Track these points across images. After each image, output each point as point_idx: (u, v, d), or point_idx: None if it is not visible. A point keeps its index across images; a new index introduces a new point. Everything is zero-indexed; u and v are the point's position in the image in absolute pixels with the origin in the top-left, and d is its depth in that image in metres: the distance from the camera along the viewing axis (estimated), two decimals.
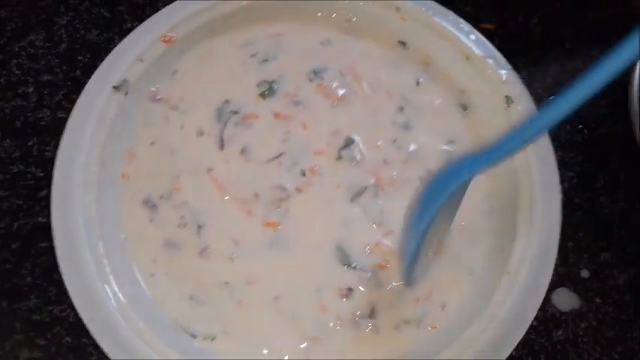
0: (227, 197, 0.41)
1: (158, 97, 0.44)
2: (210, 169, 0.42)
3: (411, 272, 0.35)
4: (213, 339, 0.38)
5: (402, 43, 0.47)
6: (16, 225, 0.43)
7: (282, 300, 0.39)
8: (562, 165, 0.48)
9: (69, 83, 0.48)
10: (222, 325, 0.38)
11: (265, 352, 0.38)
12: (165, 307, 0.38)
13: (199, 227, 0.40)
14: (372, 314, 0.39)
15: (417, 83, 0.46)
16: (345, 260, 0.40)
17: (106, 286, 0.36)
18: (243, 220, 0.40)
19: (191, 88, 0.44)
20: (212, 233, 0.40)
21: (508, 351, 0.37)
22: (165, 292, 0.38)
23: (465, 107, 0.45)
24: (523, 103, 0.43)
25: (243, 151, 0.43)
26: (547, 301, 0.44)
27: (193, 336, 0.38)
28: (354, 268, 0.40)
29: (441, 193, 0.32)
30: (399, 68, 0.46)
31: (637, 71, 0.46)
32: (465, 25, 0.46)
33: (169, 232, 0.40)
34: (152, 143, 0.43)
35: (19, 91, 0.47)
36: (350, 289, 0.40)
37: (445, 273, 0.40)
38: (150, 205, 0.41)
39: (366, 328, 0.39)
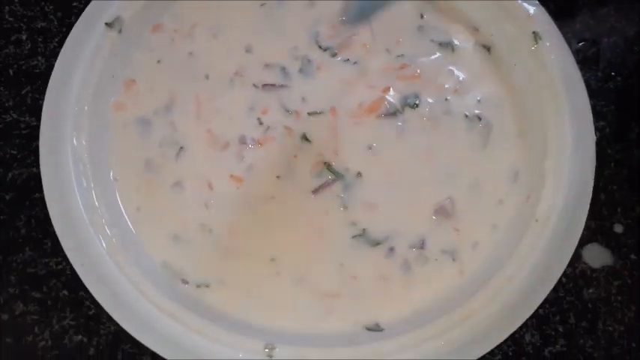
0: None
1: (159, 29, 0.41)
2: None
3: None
4: (207, 286, 0.36)
5: None
6: (10, 175, 0.41)
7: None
8: (594, 114, 0.44)
9: (64, 30, 0.45)
10: (214, 273, 0.36)
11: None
12: (154, 249, 0.36)
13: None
14: None
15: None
16: None
17: (97, 231, 0.34)
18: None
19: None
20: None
21: (535, 305, 0.34)
22: (152, 232, 0.37)
23: (488, 48, 0.42)
24: (552, 40, 0.39)
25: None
26: (577, 257, 0.41)
27: (185, 282, 0.36)
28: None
29: None
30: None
31: None
32: None
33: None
34: (158, 62, 0.41)
35: (12, 38, 0.45)
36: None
37: (476, 211, 0.38)
38: (142, 122, 0.39)
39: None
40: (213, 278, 0.36)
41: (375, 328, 0.35)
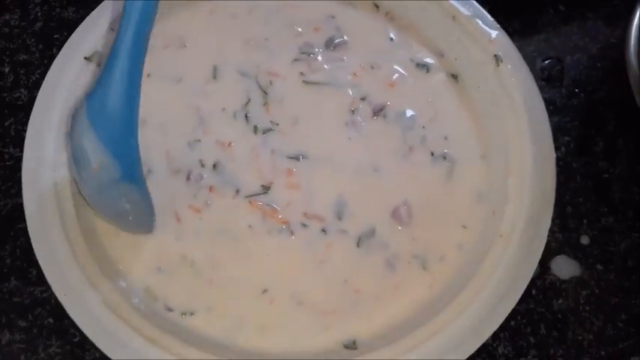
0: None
1: None
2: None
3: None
4: (192, 314, 0.37)
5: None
6: None
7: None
8: (559, 130, 0.46)
9: (45, 62, 0.46)
10: (200, 301, 0.37)
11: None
12: (136, 278, 0.37)
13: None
14: None
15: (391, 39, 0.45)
16: None
17: (79, 260, 0.35)
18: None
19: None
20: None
21: (503, 316, 0.36)
22: (133, 261, 0.37)
23: (455, 77, 0.44)
24: (513, 62, 0.41)
25: None
26: (546, 269, 0.42)
27: (169, 309, 0.37)
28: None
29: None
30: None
31: (633, 33, 0.44)
32: None
33: None
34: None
35: None
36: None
37: (441, 227, 0.40)
38: None
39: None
40: (198, 306, 0.37)
41: (352, 346, 0.37)
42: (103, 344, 0.33)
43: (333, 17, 0.45)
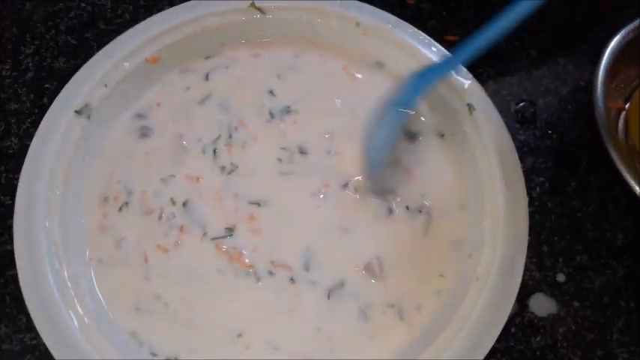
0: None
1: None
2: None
3: (376, 180, 0.42)
4: (176, 359, 0.37)
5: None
6: None
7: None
8: (533, 171, 0.48)
9: (36, 111, 0.48)
10: (181, 345, 0.38)
11: None
12: (123, 322, 0.38)
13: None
14: None
15: None
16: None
17: (69, 310, 0.36)
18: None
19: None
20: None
21: (482, 355, 0.37)
22: (118, 305, 0.39)
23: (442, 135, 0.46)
24: (485, 110, 0.43)
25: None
26: (524, 307, 0.43)
27: (154, 355, 0.37)
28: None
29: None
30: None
31: (600, 77, 0.46)
32: (425, 38, 0.46)
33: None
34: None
35: None
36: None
37: (417, 278, 0.40)
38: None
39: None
40: (181, 350, 0.38)
41: None
42: None
43: None
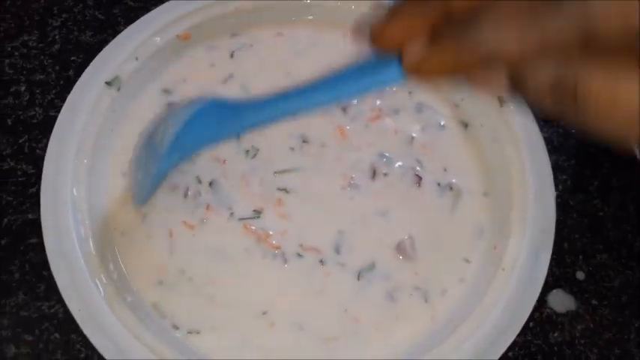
0: None
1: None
2: None
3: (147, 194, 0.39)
4: (198, 332, 0.37)
5: None
6: (5, 221, 0.43)
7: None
8: (556, 168, 0.48)
9: (61, 83, 0.48)
10: (203, 320, 0.38)
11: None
12: (146, 294, 0.38)
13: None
14: None
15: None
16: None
17: (95, 278, 0.35)
18: None
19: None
20: None
21: (503, 348, 0.37)
22: (142, 278, 0.38)
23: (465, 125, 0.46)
24: (515, 103, 0.43)
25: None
26: (543, 302, 0.43)
27: (175, 327, 0.37)
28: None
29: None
30: None
31: None
32: None
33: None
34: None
35: (11, 89, 0.47)
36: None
37: (444, 261, 0.40)
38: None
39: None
40: (203, 325, 0.38)
41: None
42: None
43: None
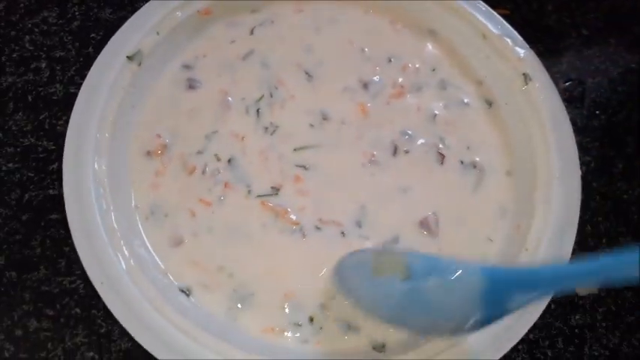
0: None
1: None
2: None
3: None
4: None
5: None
6: (26, 197, 0.43)
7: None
8: (580, 149, 0.47)
9: (81, 59, 0.47)
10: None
11: None
12: (171, 270, 0.38)
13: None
14: None
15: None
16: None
17: (117, 252, 0.36)
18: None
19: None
20: None
21: (525, 328, 0.36)
22: (168, 254, 0.39)
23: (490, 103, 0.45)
24: (541, 81, 0.42)
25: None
26: None
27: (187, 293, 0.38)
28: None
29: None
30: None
31: None
32: (483, 6, 0.45)
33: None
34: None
35: (32, 66, 0.47)
36: None
37: (468, 239, 0.40)
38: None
39: None
40: (225, 303, 0.38)
41: (380, 349, 0.37)
42: (135, 332, 0.34)
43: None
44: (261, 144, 0.42)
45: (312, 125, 0.43)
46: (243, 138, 0.42)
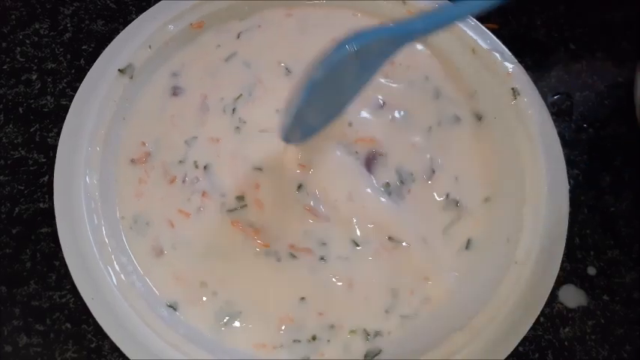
0: None
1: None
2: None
3: (290, 129, 0.38)
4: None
5: None
6: (17, 210, 0.43)
7: None
8: (568, 163, 0.47)
9: (72, 71, 0.48)
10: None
11: None
12: (160, 289, 0.38)
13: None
14: None
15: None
16: None
17: (107, 266, 0.36)
18: None
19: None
20: None
21: (515, 342, 0.36)
22: (155, 270, 0.39)
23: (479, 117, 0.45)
24: (529, 96, 0.43)
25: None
26: (554, 297, 0.43)
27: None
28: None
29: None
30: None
31: None
32: (472, 20, 0.46)
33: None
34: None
35: (23, 77, 0.47)
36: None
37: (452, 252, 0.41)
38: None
39: None
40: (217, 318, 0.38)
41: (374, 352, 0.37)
42: (126, 348, 0.34)
43: None
44: (233, 145, 0.42)
45: (277, 111, 0.42)
46: (218, 140, 0.42)
